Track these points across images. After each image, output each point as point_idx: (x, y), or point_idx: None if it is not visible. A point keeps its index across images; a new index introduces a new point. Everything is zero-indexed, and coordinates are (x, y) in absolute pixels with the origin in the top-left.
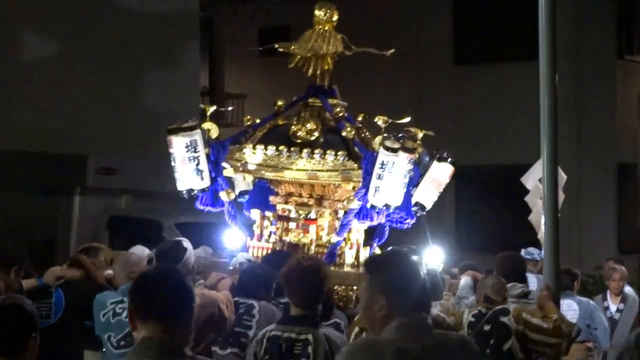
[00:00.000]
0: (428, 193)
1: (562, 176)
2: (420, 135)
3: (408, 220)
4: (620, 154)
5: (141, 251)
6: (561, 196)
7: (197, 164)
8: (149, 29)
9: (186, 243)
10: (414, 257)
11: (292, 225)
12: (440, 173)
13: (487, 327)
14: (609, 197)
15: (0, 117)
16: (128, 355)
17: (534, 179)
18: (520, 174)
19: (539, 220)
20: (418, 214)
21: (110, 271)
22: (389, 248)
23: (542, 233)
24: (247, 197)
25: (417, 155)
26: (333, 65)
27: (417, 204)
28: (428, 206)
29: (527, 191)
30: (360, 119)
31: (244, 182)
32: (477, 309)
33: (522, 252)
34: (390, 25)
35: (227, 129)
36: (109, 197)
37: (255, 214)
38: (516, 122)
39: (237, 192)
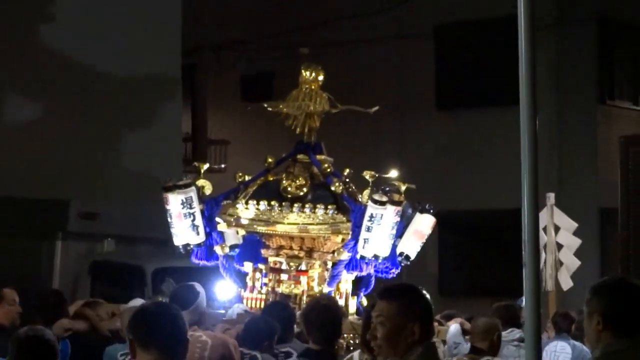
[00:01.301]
0: (412, 243)
1: (572, 224)
2: (403, 188)
3: (393, 270)
4: (602, 198)
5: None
6: (575, 241)
7: (193, 220)
8: (132, 79)
9: (199, 287)
10: None
11: (283, 276)
12: (423, 224)
13: None
14: (592, 243)
15: None
16: None
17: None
18: (503, 219)
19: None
20: (402, 264)
21: (118, 324)
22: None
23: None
24: (237, 250)
25: (401, 208)
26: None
27: (401, 254)
28: (412, 256)
29: (510, 237)
30: (346, 173)
31: (234, 236)
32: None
33: (519, 301)
34: (371, 72)
35: (211, 174)
36: (90, 242)
37: (247, 266)
38: (498, 167)
39: (228, 246)
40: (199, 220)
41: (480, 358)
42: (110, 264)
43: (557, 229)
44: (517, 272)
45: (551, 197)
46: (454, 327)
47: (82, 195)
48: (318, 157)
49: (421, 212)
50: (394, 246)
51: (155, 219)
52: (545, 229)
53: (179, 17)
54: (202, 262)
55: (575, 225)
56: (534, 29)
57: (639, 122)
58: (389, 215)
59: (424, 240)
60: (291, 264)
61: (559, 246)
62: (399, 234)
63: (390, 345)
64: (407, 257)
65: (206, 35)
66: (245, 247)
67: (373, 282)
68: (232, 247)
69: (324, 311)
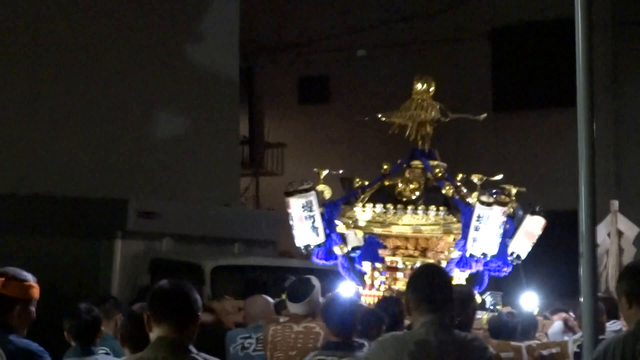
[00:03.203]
0: (522, 244)
1: (635, 228)
2: (514, 191)
3: (505, 269)
4: None
5: (266, 298)
6: (632, 250)
7: (313, 222)
8: (192, 82)
9: (315, 281)
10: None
11: (399, 275)
12: (533, 225)
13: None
14: None
15: (38, 160)
16: (145, 350)
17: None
18: (561, 221)
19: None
20: (514, 263)
21: (238, 317)
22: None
23: None
24: (359, 251)
25: (511, 209)
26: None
27: (512, 253)
28: (523, 256)
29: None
30: (459, 178)
31: (355, 238)
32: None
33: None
34: (427, 74)
35: (267, 177)
36: (149, 241)
37: (366, 266)
38: (552, 169)
39: (349, 247)
40: (318, 223)
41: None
42: (169, 262)
43: (620, 234)
44: None
45: (615, 204)
46: (556, 324)
47: (141, 195)
48: (431, 162)
49: (532, 214)
50: (504, 246)
51: (213, 218)
52: (609, 235)
53: (237, 20)
54: (322, 262)
55: (639, 229)
56: (591, 30)
57: None
58: (496, 215)
59: (535, 241)
60: (407, 262)
61: (621, 250)
62: (510, 234)
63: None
64: (518, 257)
65: (263, 38)
66: (365, 248)
67: (487, 279)
68: (354, 249)
69: (340, 306)
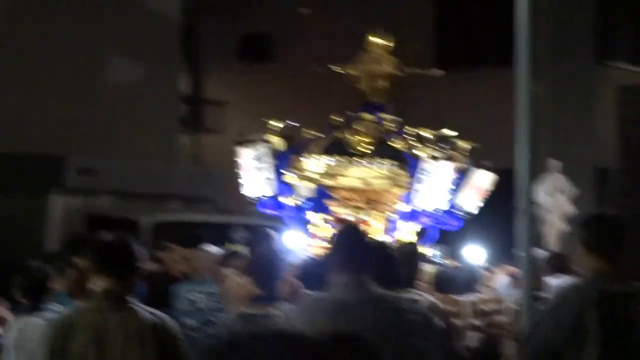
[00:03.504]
0: (472, 199)
1: (573, 188)
2: (465, 146)
3: (453, 223)
4: (598, 158)
5: (214, 249)
6: (571, 208)
7: (264, 173)
8: (131, 39)
9: (273, 233)
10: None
11: None
12: (483, 181)
13: None
14: (587, 201)
15: None
16: (88, 302)
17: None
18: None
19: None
20: (464, 218)
21: (185, 266)
22: None
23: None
24: (309, 202)
25: (460, 164)
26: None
27: (461, 208)
28: (472, 210)
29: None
30: (410, 132)
31: (306, 189)
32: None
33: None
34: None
35: (208, 135)
36: (88, 197)
37: (315, 217)
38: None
39: (299, 199)
40: (270, 174)
41: None
42: (107, 219)
43: (559, 193)
44: None
45: (553, 163)
46: (503, 278)
47: (79, 151)
48: (383, 116)
49: (482, 169)
50: (454, 200)
51: (152, 175)
52: (548, 195)
53: None
54: (271, 212)
55: (576, 189)
56: None
57: (635, 82)
58: (446, 170)
59: (484, 196)
60: (356, 215)
61: (561, 209)
62: (459, 189)
63: None
64: (468, 212)
65: None
66: (314, 200)
67: (436, 233)
68: (305, 199)
69: (265, 260)
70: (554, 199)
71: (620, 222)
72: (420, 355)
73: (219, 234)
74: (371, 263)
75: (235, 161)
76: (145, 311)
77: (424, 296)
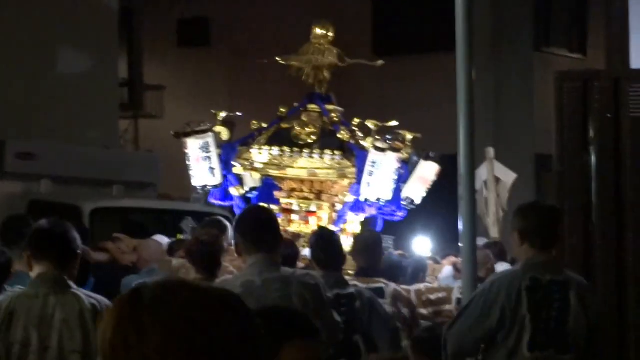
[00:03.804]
0: (417, 189)
1: (512, 175)
2: (408, 137)
3: (398, 213)
4: (538, 145)
5: (162, 239)
6: (508, 196)
7: (210, 163)
8: (68, 22)
9: (226, 221)
10: None
11: (294, 217)
12: (427, 171)
13: None
14: (527, 187)
15: None
16: (27, 287)
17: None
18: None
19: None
20: (408, 208)
21: (134, 257)
22: None
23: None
24: (255, 193)
25: (405, 155)
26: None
27: (406, 199)
28: (417, 201)
29: None
30: (355, 123)
31: (252, 180)
32: None
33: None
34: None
35: (147, 119)
36: (27, 183)
37: None
38: (436, 114)
39: (246, 189)
40: (215, 164)
41: None
42: (47, 204)
43: (497, 180)
44: None
45: (491, 151)
46: (446, 269)
47: (19, 136)
48: (328, 107)
49: (426, 159)
50: (399, 191)
51: (92, 160)
52: (486, 183)
53: None
54: (218, 202)
55: (515, 175)
56: None
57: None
58: (390, 160)
59: (429, 186)
60: (302, 205)
61: (499, 197)
62: (404, 179)
63: None
64: (412, 202)
65: None
66: (261, 190)
67: (381, 223)
68: (251, 189)
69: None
70: (490, 186)
71: (555, 213)
72: (333, 331)
73: (159, 220)
74: (279, 243)
75: (175, 146)
76: (87, 296)
77: (388, 285)
